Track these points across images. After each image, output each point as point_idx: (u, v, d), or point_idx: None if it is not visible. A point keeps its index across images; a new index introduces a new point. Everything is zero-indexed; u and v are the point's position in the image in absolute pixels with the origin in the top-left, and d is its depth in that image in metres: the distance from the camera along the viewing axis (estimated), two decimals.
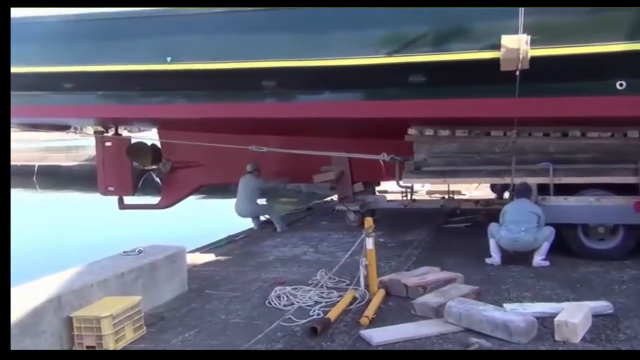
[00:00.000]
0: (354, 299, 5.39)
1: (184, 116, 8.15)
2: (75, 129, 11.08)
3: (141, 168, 10.10)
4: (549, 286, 5.82)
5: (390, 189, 10.52)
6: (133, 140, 10.04)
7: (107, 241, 9.56)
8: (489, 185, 9.99)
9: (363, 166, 8.83)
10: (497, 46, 6.07)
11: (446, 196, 10.01)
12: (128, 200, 10.24)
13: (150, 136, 10.66)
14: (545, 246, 6.64)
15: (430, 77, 6.70)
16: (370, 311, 4.97)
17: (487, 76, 6.35)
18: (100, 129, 10.07)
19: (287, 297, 5.60)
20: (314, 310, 5.20)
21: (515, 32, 5.87)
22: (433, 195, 10.81)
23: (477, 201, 9.19)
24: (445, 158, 7.73)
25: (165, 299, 5.77)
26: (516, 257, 6.71)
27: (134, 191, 10.02)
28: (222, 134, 8.84)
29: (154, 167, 10.06)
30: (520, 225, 6.67)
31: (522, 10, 5.73)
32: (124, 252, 5.90)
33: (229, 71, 7.26)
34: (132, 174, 9.91)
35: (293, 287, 5.88)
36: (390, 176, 8.63)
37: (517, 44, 5.90)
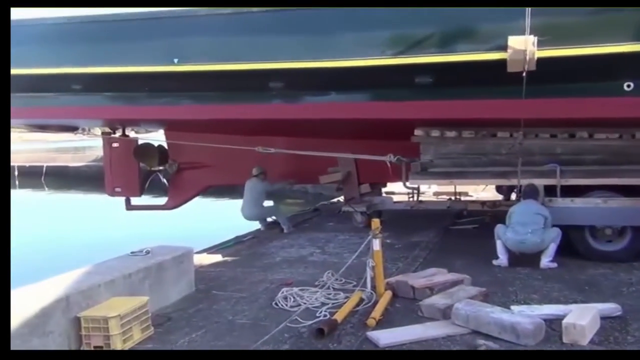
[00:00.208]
0: (361, 300, 5.39)
1: (191, 117, 8.17)
2: (83, 130, 11.13)
3: (148, 169, 10.14)
4: (556, 288, 5.80)
5: (397, 190, 10.50)
6: (140, 142, 10.09)
7: (115, 242, 9.59)
8: (494, 186, 9.97)
9: (369, 167, 8.83)
10: (503, 47, 6.05)
11: (453, 197, 9.99)
12: (135, 201, 10.28)
13: (157, 137, 10.70)
14: (552, 247, 6.61)
15: (436, 78, 6.69)
16: (377, 312, 4.97)
17: (493, 77, 6.33)
18: (107, 130, 10.10)
19: (293, 298, 5.60)
20: (321, 312, 5.20)
21: (522, 33, 5.86)
22: (440, 197, 10.79)
23: (483, 202, 9.17)
24: (452, 159, 7.71)
25: (173, 300, 5.79)
26: (523, 259, 6.68)
27: (141, 192, 10.05)
28: (229, 135, 8.87)
29: (160, 168, 10.10)
30: (527, 227, 6.65)
31: (528, 10, 5.72)
32: (132, 252, 5.93)
33: (235, 72, 7.28)
34: (139, 175, 9.95)
35: (300, 288, 5.89)
36: (396, 177, 8.63)
37: (523, 45, 5.89)
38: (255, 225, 9.93)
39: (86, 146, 28.54)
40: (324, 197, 13.81)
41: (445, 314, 4.87)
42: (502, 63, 6.07)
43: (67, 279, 4.95)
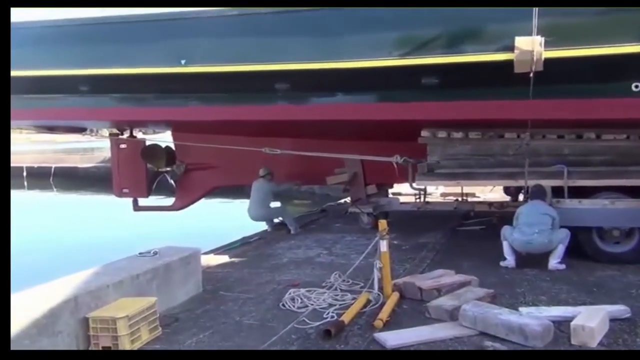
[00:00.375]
0: (368, 301, 5.39)
1: (198, 118, 8.20)
2: (91, 131, 11.19)
3: (155, 170, 10.18)
4: (565, 290, 5.78)
5: (404, 191, 10.49)
6: (147, 143, 10.13)
7: (122, 243, 9.63)
8: (502, 187, 9.94)
9: (376, 168, 8.83)
10: (510, 48, 6.05)
11: (460, 198, 9.97)
12: (142, 202, 10.32)
13: (165, 138, 10.74)
14: (561, 249, 6.59)
15: (443, 79, 6.69)
16: (384, 314, 4.97)
17: (500, 78, 6.32)
18: (115, 131, 10.15)
19: (301, 299, 5.61)
20: (328, 313, 5.20)
21: (529, 33, 5.85)
22: (447, 198, 10.77)
23: (490, 204, 9.15)
24: (459, 160, 7.70)
25: (180, 300, 5.81)
26: (531, 260, 6.66)
27: (149, 193, 10.10)
28: (236, 136, 8.89)
29: (168, 169, 10.14)
30: (534, 228, 6.62)
31: (535, 10, 5.70)
32: (140, 253, 5.95)
33: (242, 74, 7.31)
34: (146, 176, 9.99)
35: (307, 289, 5.88)
36: (403, 178, 8.63)
37: (531, 46, 5.88)
38: (262, 226, 9.95)
39: (95, 147, 28.69)
40: (331, 198, 13.81)
41: (452, 315, 4.86)
42: (509, 64, 6.06)
43: (75, 280, 4.97)
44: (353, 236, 8.85)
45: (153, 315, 4.88)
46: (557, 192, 7.06)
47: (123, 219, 11.88)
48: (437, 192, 11.47)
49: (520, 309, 5.02)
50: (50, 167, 26.06)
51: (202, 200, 10.71)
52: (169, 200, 10.56)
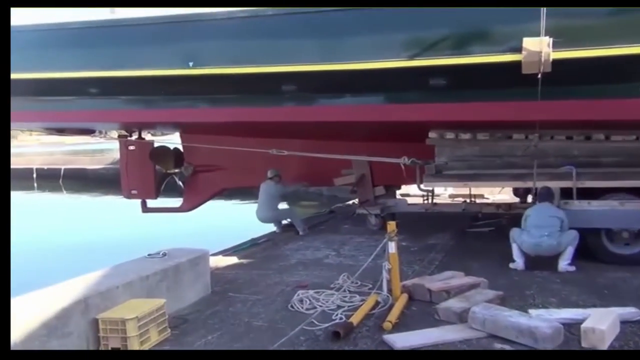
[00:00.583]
0: (377, 303, 5.39)
1: (206, 120, 8.23)
2: (100, 132, 11.26)
3: (164, 171, 10.23)
4: (575, 292, 5.75)
5: (412, 193, 10.48)
6: (156, 144, 10.17)
7: (131, 244, 9.68)
8: (511, 188, 9.90)
9: (384, 170, 8.83)
10: (518, 49, 6.02)
11: (468, 200, 9.95)
12: (151, 203, 10.37)
13: (173, 140, 10.78)
14: (570, 251, 6.56)
15: (451, 80, 6.67)
16: (393, 316, 4.96)
17: (508, 79, 6.30)
18: (124, 133, 10.20)
19: (309, 300, 5.61)
20: (337, 314, 5.20)
21: (537, 34, 5.82)
22: (455, 199, 10.74)
23: (499, 205, 9.11)
24: (467, 162, 7.69)
25: (189, 302, 5.83)
26: (541, 262, 6.63)
27: (157, 194, 10.15)
28: (244, 137, 8.91)
29: (176, 170, 10.19)
30: (543, 230, 6.60)
31: (543, 11, 5.68)
32: (149, 254, 5.98)
33: (250, 75, 7.32)
34: (154, 177, 10.04)
35: (315, 290, 5.89)
36: (411, 180, 8.62)
37: (539, 47, 5.85)
38: (271, 227, 9.96)
39: (104, 149, 28.85)
40: (338, 199, 13.82)
41: (462, 317, 4.85)
42: (517, 65, 6.03)
43: (85, 281, 5.01)
44: (361, 237, 8.84)
45: (162, 316, 4.90)
46: (566, 193, 7.02)
47: (132, 220, 11.95)
48: (446, 193, 11.44)
49: (530, 311, 5.00)
50: (60, 169, 26.23)
51: (211, 202, 10.74)
52: (177, 202, 10.60)
